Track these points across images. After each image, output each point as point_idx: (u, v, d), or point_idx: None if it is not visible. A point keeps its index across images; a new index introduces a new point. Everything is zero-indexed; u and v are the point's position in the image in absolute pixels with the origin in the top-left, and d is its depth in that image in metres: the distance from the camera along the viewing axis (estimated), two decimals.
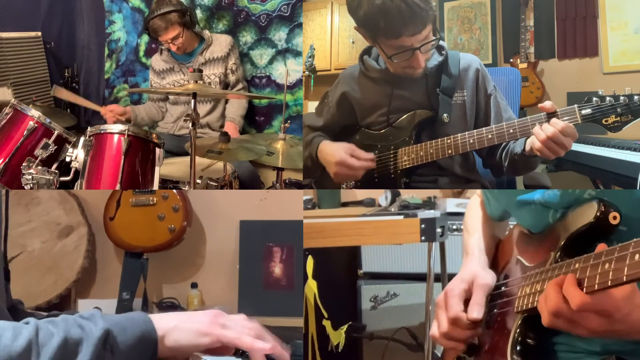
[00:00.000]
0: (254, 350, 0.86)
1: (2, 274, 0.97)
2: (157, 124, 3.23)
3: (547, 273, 0.96)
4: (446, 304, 1.11)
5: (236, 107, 3.05)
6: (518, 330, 0.98)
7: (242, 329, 0.88)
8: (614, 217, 0.92)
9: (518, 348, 0.97)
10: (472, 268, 1.17)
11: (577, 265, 0.86)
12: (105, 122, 2.97)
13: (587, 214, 0.94)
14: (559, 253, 0.98)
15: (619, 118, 1.49)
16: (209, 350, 0.87)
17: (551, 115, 1.52)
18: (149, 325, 0.83)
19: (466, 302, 1.11)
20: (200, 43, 3.05)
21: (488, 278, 1.13)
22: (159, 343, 0.83)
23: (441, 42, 1.79)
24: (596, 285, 0.80)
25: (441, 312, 1.12)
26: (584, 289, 0.82)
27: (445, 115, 1.77)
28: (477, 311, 1.08)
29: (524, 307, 0.98)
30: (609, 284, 0.78)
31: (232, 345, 0.87)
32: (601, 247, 0.84)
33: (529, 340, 0.98)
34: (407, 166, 1.79)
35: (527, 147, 1.61)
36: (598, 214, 0.93)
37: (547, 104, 1.54)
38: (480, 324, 1.09)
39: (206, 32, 3.07)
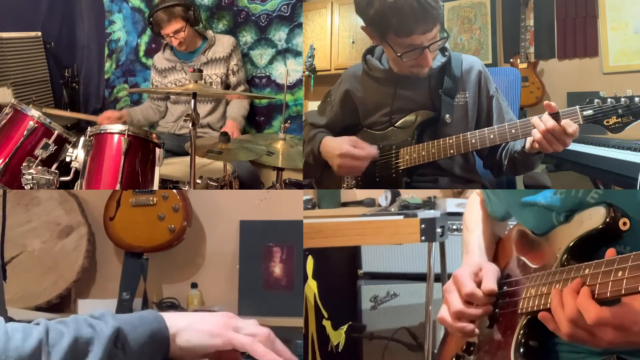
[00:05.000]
0: None
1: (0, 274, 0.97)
2: (157, 124, 3.23)
3: (553, 276, 0.95)
4: (458, 283, 1.10)
5: (238, 107, 3.05)
6: (522, 332, 0.98)
7: (254, 335, 0.86)
8: (624, 223, 0.90)
9: (522, 350, 0.96)
10: (476, 260, 1.17)
11: (587, 271, 0.85)
12: None
13: (596, 218, 0.93)
14: (565, 256, 0.97)
15: (620, 119, 1.49)
16: (220, 354, 0.86)
17: (554, 115, 1.52)
18: (161, 323, 0.83)
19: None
20: (203, 42, 3.05)
21: (494, 267, 1.13)
22: (170, 341, 0.82)
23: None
24: (608, 293, 0.79)
25: (452, 294, 1.11)
26: (595, 295, 0.81)
27: (447, 116, 1.77)
28: (491, 284, 1.08)
29: (529, 309, 0.98)
30: (623, 292, 0.77)
31: (244, 351, 0.86)
32: (611, 253, 0.83)
33: (532, 342, 0.97)
34: (409, 166, 1.78)
35: (527, 145, 1.62)
36: (607, 219, 0.91)
37: (551, 103, 1.54)
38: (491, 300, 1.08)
39: (209, 32, 3.07)
